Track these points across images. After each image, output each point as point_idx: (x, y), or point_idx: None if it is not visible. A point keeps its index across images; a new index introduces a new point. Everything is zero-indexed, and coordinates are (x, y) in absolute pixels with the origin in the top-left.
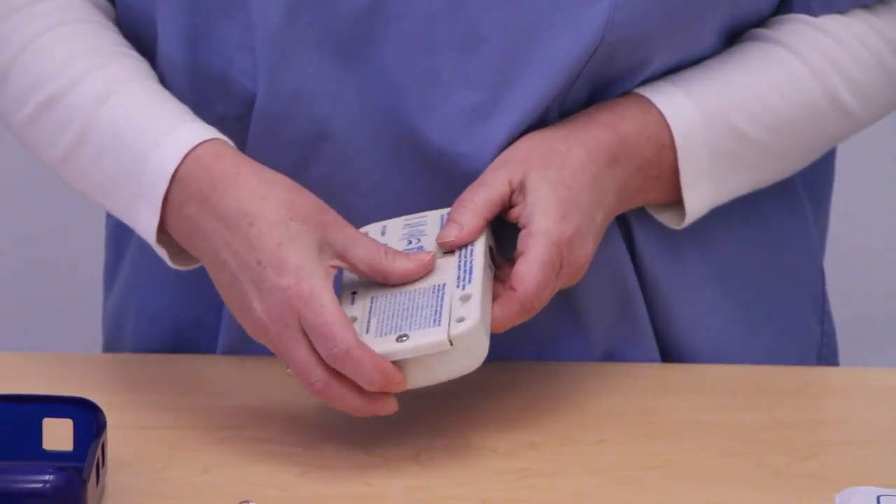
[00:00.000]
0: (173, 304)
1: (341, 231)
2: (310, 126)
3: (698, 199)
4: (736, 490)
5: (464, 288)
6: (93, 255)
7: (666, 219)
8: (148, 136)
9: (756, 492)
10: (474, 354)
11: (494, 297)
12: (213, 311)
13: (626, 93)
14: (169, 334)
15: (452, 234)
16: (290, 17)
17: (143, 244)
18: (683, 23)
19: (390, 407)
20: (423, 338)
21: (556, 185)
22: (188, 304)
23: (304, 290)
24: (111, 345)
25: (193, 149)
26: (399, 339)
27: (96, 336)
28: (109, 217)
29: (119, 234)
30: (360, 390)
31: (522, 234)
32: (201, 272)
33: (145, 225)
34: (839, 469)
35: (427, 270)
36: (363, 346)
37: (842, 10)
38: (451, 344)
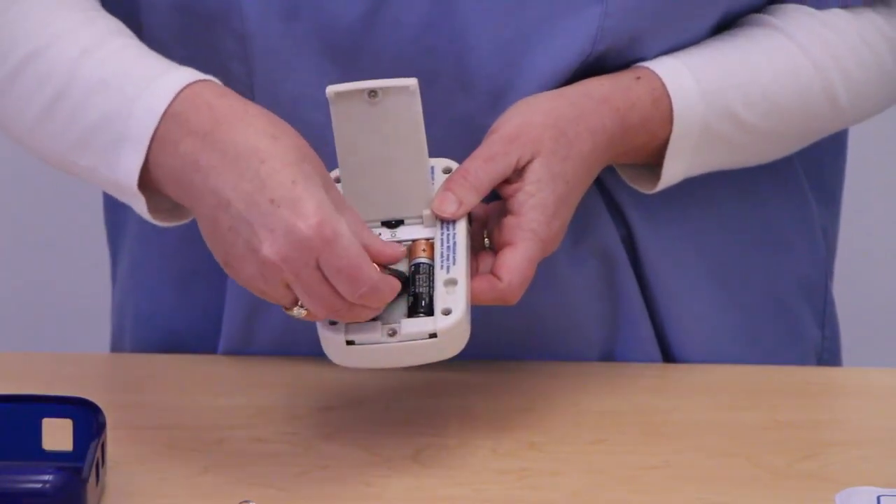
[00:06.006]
0: (169, 307)
1: (336, 190)
2: (307, 134)
3: (674, 171)
4: (736, 490)
5: (448, 270)
6: (94, 255)
7: (632, 177)
8: (138, 77)
9: (756, 492)
10: (457, 343)
11: (473, 274)
12: (210, 313)
13: (641, 63)
14: (166, 337)
15: (449, 210)
16: (286, 26)
17: (138, 245)
18: (675, 26)
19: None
20: (411, 328)
21: (556, 178)
22: (184, 306)
23: (327, 232)
24: (116, 342)
25: (189, 85)
26: (390, 333)
27: (98, 336)
28: (107, 216)
29: (115, 235)
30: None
31: (511, 221)
32: (197, 273)
33: (126, 167)
34: (839, 469)
35: (396, 260)
36: (382, 276)
37: (845, 6)
38: (437, 336)
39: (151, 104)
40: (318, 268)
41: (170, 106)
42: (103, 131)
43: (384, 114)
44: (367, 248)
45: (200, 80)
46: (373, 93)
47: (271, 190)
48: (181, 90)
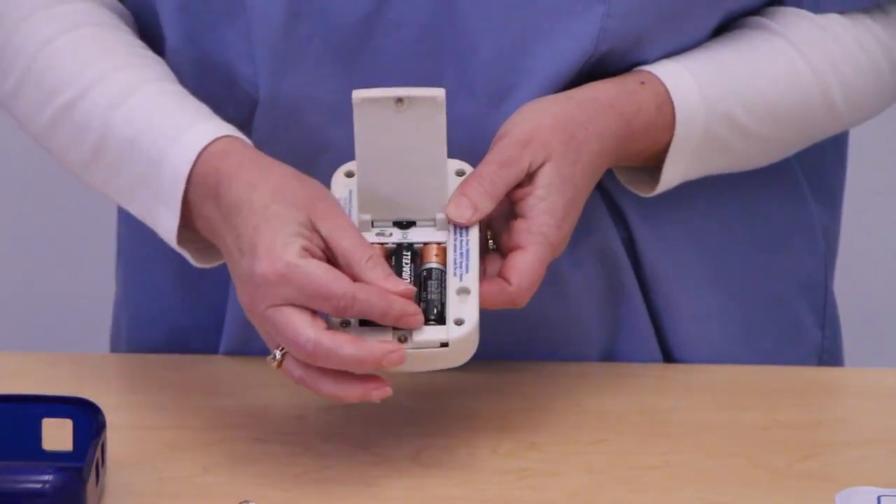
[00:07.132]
0: (168, 310)
1: (331, 219)
2: (309, 134)
3: (673, 174)
4: (736, 490)
5: (461, 278)
6: (95, 255)
7: (630, 180)
8: (162, 138)
9: (756, 492)
10: (467, 353)
11: (481, 277)
12: (210, 315)
13: (644, 66)
14: (167, 335)
15: (465, 216)
16: (290, 25)
17: (136, 249)
18: (677, 27)
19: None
20: (423, 336)
21: (566, 181)
22: (184, 309)
23: (279, 269)
24: (116, 342)
25: (206, 147)
26: (401, 340)
27: (98, 336)
28: (119, 217)
29: (120, 235)
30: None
31: (521, 225)
32: (197, 278)
33: (165, 227)
34: (839, 469)
35: (403, 298)
36: (362, 287)
37: (842, 11)
38: (448, 346)
39: (176, 169)
40: (293, 304)
41: (192, 170)
42: (140, 189)
43: (408, 122)
44: (361, 277)
45: (215, 140)
46: (399, 101)
47: (240, 240)
48: (199, 153)
